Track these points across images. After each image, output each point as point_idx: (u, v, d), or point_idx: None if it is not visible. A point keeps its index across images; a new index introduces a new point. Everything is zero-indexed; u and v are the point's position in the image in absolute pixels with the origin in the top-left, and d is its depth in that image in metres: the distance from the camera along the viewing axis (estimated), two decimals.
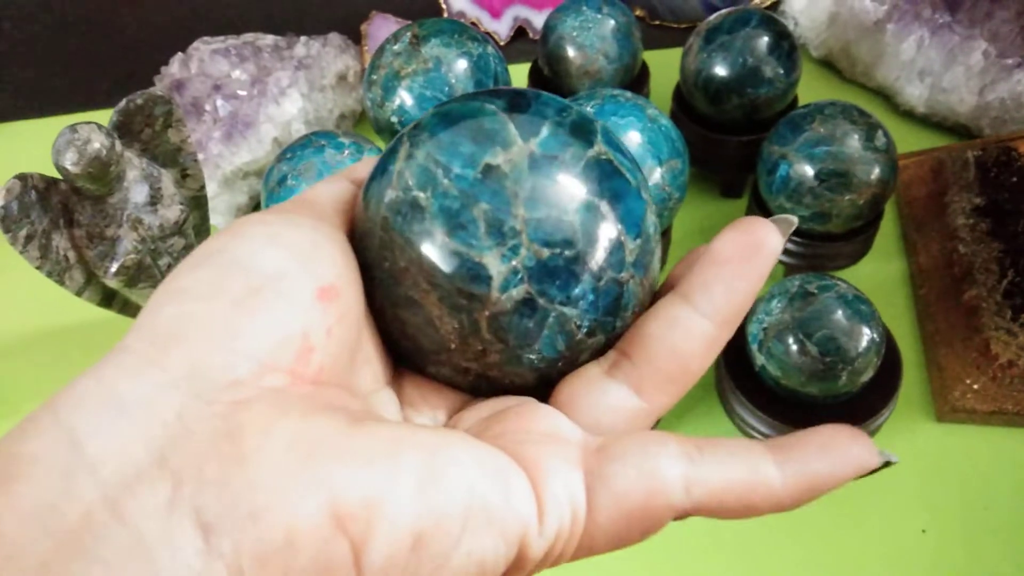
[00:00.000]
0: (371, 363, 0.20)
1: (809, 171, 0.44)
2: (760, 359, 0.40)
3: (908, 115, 0.59)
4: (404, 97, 0.47)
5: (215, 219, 0.55)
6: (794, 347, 0.38)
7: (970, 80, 0.55)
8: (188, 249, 0.46)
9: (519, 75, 0.59)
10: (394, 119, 0.48)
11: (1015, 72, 0.53)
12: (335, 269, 0.18)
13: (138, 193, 0.43)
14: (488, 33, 0.68)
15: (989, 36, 0.55)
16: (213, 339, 0.16)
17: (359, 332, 0.19)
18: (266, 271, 0.17)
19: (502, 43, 0.68)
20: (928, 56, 0.56)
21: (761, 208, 0.48)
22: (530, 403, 0.19)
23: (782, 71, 0.50)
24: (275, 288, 0.17)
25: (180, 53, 0.60)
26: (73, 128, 0.40)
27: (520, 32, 0.68)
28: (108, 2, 0.69)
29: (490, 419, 0.19)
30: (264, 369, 0.16)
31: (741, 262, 0.18)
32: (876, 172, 0.44)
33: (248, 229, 0.18)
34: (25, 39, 0.74)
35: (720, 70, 0.50)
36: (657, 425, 0.43)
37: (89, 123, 0.40)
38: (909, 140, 0.57)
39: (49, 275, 0.42)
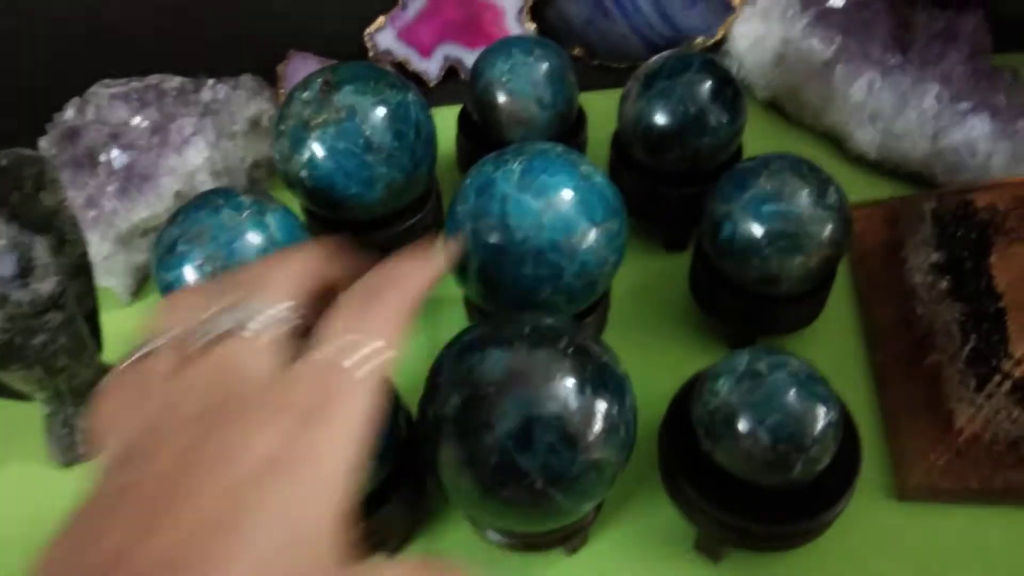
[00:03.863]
0: None
1: (756, 231, 0.40)
2: (707, 444, 0.36)
3: (859, 161, 0.56)
4: (315, 149, 0.43)
5: (110, 281, 0.50)
6: (744, 434, 0.34)
7: (923, 125, 0.52)
8: (68, 324, 0.40)
9: (448, 119, 0.55)
10: (303, 173, 0.43)
11: (969, 117, 0.51)
12: None
13: (4, 266, 0.38)
14: (417, 74, 0.63)
15: (942, 78, 0.52)
16: None
17: None
18: None
19: (432, 84, 0.64)
20: (879, 99, 0.53)
21: (706, 267, 0.45)
22: None
23: (726, 119, 0.46)
24: None
25: (77, 98, 0.55)
26: None
27: (452, 72, 0.64)
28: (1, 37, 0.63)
29: None
30: None
31: None
32: (828, 231, 0.40)
33: None
34: None
35: (660, 118, 0.46)
36: (599, 510, 0.39)
37: None
38: (861, 187, 0.54)
39: None
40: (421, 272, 0.29)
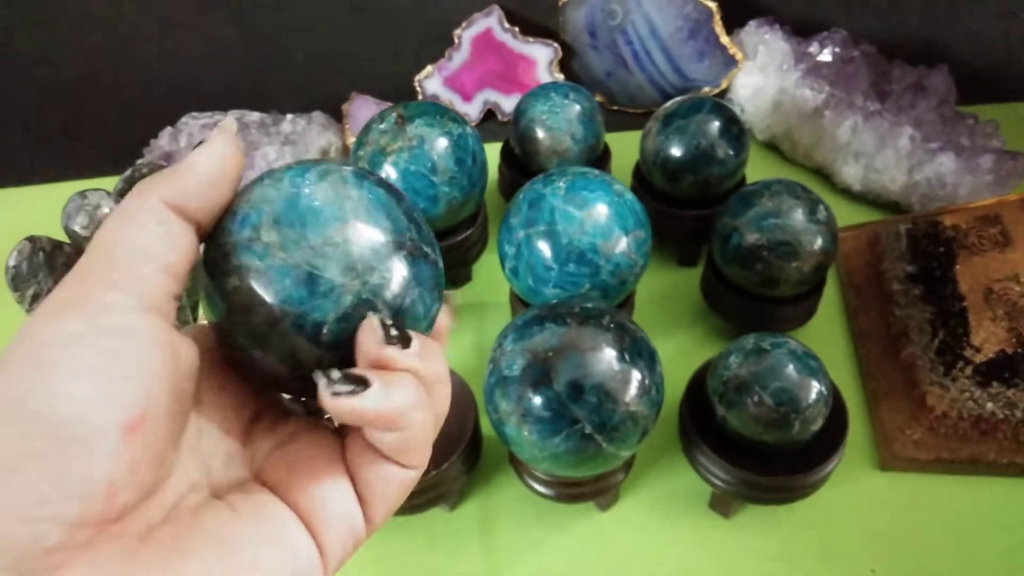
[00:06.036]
0: (207, 433, 0.22)
1: (759, 240, 0.49)
2: (721, 410, 0.43)
3: (845, 192, 0.65)
4: (389, 171, 0.51)
5: None
6: (752, 398, 0.42)
7: (899, 162, 0.61)
8: (180, 312, 0.48)
9: (491, 153, 0.63)
10: None
11: (938, 155, 0.59)
12: (144, 391, 0.18)
13: None
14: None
15: (914, 123, 0.61)
16: (19, 510, 0.16)
17: (174, 439, 0.20)
18: (68, 416, 0.17)
19: (472, 124, 0.72)
20: (862, 140, 0.62)
21: (716, 274, 0.53)
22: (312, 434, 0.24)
23: (732, 152, 0.55)
24: (78, 438, 0.17)
25: (169, 127, 0.63)
26: (83, 194, 0.43)
27: (489, 114, 0.73)
28: (95, 73, 0.72)
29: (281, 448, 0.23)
30: (73, 530, 0.17)
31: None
32: (819, 242, 0.48)
33: (51, 354, 0.18)
34: (8, 108, 0.76)
35: (676, 151, 0.55)
36: (629, 470, 0.46)
37: (98, 190, 0.43)
38: (847, 215, 0.63)
39: None
40: None
